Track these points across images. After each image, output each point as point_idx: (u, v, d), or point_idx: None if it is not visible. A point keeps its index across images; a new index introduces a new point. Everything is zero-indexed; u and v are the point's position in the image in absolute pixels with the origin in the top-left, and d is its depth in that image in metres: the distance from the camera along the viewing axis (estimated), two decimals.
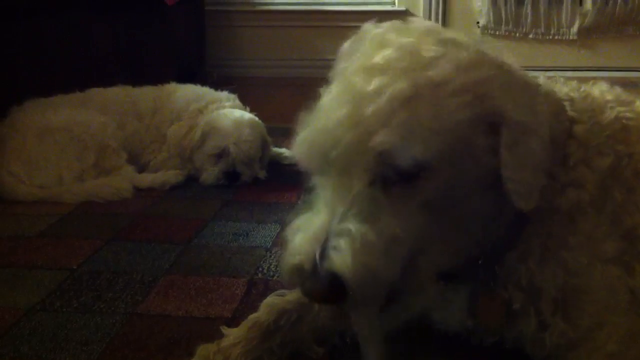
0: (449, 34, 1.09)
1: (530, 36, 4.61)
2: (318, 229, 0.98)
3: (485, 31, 4.69)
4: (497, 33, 4.64)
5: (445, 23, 4.73)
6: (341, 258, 0.94)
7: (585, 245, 1.14)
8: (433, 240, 1.02)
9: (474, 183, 1.04)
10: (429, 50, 1.02)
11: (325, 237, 0.96)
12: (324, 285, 0.95)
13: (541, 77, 1.23)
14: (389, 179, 0.98)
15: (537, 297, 1.15)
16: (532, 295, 1.15)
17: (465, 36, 1.09)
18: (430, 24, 1.18)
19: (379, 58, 1.02)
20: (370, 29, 1.13)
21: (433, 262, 1.04)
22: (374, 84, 0.99)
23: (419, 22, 1.15)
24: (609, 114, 1.25)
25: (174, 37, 3.96)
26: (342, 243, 0.95)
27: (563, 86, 1.28)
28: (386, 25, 1.11)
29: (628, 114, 1.28)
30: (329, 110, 1.01)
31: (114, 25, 3.58)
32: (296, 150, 1.06)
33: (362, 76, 1.01)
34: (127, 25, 3.64)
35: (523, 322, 1.17)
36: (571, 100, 1.23)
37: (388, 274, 0.97)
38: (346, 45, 1.15)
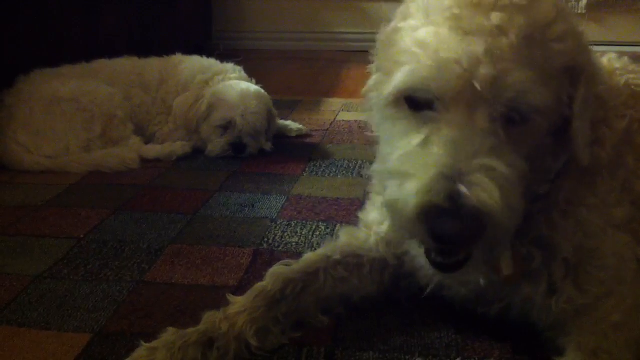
0: None
1: None
2: (446, 167, 0.92)
3: None
4: None
5: None
6: (488, 195, 0.90)
7: (600, 208, 1.15)
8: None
9: (547, 133, 1.05)
10: None
11: (457, 174, 0.91)
12: (467, 224, 0.90)
13: None
14: (510, 120, 0.97)
15: (552, 255, 1.14)
16: (548, 253, 1.14)
17: None
18: None
19: None
20: None
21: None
22: (496, 19, 0.95)
23: None
24: (619, 80, 1.28)
25: (180, 13, 3.93)
26: (484, 180, 0.91)
27: None
28: None
29: (637, 81, 1.31)
30: (444, 42, 0.95)
31: (123, 3, 3.56)
32: (409, 79, 0.98)
33: (471, 10, 0.96)
34: (137, 3, 3.62)
35: (534, 284, 1.16)
36: None
37: (521, 210, 0.96)
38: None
